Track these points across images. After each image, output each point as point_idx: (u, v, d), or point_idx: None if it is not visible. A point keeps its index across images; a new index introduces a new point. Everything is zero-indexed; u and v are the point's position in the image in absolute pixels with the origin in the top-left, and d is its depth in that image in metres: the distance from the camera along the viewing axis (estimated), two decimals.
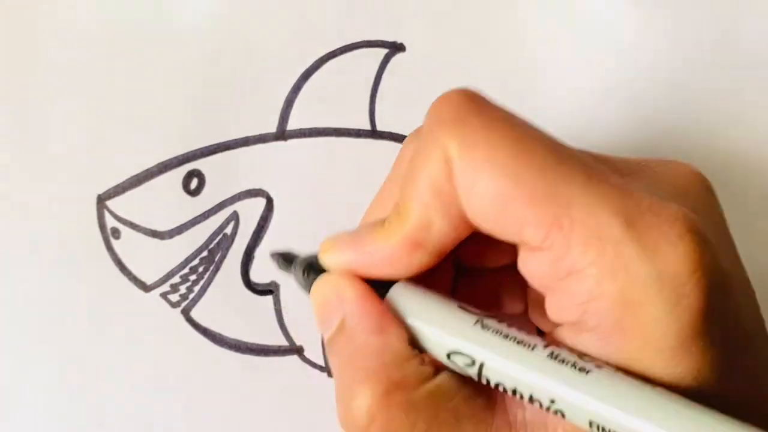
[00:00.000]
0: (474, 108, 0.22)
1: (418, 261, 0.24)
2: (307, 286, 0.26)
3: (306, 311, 0.34)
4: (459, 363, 0.23)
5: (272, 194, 0.34)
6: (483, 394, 0.23)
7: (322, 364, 0.34)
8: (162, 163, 0.34)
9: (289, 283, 0.34)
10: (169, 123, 0.34)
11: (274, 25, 0.34)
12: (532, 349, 0.22)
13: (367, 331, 0.23)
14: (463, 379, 0.23)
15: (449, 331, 0.23)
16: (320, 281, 0.25)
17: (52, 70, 0.34)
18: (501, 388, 0.22)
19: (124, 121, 0.34)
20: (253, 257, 0.34)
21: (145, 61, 0.34)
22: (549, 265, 0.21)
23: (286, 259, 0.28)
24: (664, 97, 0.35)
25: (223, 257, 0.34)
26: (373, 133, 0.34)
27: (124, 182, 0.34)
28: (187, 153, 0.34)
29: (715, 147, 0.35)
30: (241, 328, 0.34)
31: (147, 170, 0.34)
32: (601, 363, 0.21)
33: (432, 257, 0.24)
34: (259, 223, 0.34)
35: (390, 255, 0.24)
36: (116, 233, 0.33)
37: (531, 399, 0.22)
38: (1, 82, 0.34)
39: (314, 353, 0.34)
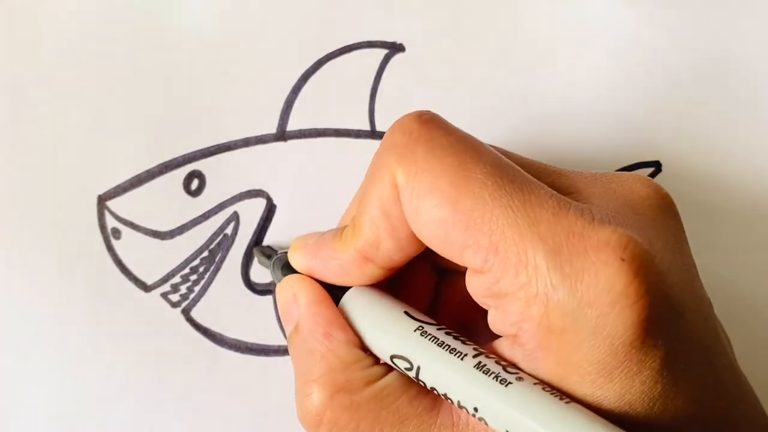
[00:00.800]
0: (423, 135, 0.24)
1: (369, 273, 0.26)
2: (278, 281, 0.29)
3: None
4: (400, 366, 0.25)
5: (272, 195, 0.34)
6: (429, 395, 0.25)
7: None
8: (162, 163, 0.34)
9: None
10: (170, 123, 0.34)
11: (274, 26, 0.34)
12: (462, 358, 0.23)
13: (315, 336, 0.26)
14: (411, 381, 0.25)
15: (390, 336, 0.25)
16: (280, 284, 0.28)
17: (52, 70, 0.34)
18: (436, 392, 0.24)
19: (125, 122, 0.34)
20: (254, 258, 0.34)
21: (145, 62, 0.34)
22: (488, 287, 0.23)
23: (264, 254, 0.31)
24: (663, 98, 0.35)
25: (224, 257, 0.34)
26: (373, 134, 0.34)
27: (124, 182, 0.34)
28: (187, 154, 0.34)
29: (714, 148, 0.35)
30: (241, 328, 0.34)
31: (148, 171, 0.34)
32: (524, 376, 0.23)
33: (383, 270, 0.26)
34: (259, 224, 0.34)
35: (343, 265, 0.26)
36: (117, 233, 0.34)
37: (459, 405, 0.23)
38: (1, 82, 0.34)
39: None
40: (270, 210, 0.34)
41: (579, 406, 0.21)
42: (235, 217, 0.34)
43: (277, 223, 0.34)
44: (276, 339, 0.34)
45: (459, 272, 0.27)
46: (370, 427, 0.24)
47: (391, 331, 0.25)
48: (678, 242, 0.24)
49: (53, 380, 0.33)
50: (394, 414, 0.24)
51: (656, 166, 0.35)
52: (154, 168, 0.34)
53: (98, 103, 0.34)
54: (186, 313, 0.34)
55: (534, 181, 0.23)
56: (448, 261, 0.27)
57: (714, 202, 0.35)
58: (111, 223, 0.34)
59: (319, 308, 0.26)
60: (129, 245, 0.34)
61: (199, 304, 0.34)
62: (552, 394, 0.22)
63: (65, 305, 0.33)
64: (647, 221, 0.23)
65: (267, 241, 0.34)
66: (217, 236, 0.34)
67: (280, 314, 0.28)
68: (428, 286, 0.29)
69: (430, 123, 0.24)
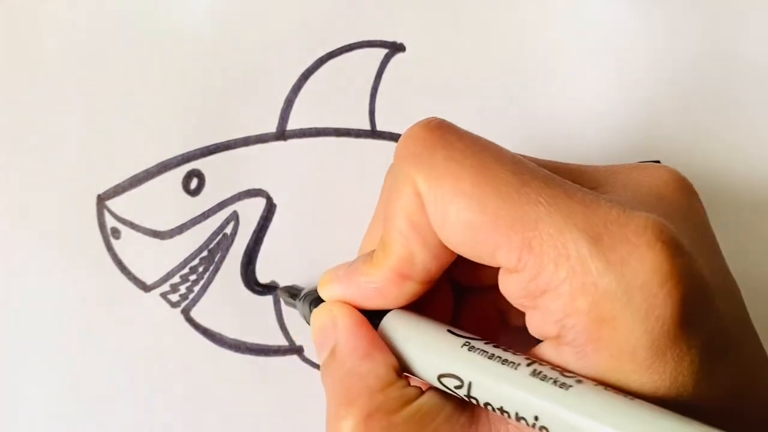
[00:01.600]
0: (438, 141, 0.23)
1: (408, 291, 0.25)
2: (309, 317, 0.28)
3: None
4: (449, 385, 0.24)
5: (272, 194, 0.34)
6: (466, 412, 0.24)
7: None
8: (162, 163, 0.34)
9: (289, 283, 0.34)
10: (169, 123, 0.34)
11: (274, 25, 0.34)
12: (516, 368, 0.22)
13: (355, 357, 0.25)
14: (447, 399, 0.24)
15: (438, 355, 0.24)
16: (318, 309, 0.27)
17: (52, 70, 0.34)
18: (490, 408, 0.23)
19: (124, 121, 0.34)
20: (254, 257, 0.34)
21: (145, 61, 0.34)
22: (524, 285, 0.22)
23: (291, 294, 0.31)
24: (664, 98, 0.35)
25: (223, 257, 0.34)
26: (373, 133, 0.34)
27: (124, 182, 0.34)
28: (186, 153, 0.34)
29: (715, 147, 0.35)
30: (241, 328, 0.34)
31: (147, 170, 0.34)
32: (581, 378, 0.22)
33: (421, 285, 0.25)
34: (259, 223, 0.34)
35: (380, 288, 0.25)
36: (116, 233, 0.33)
37: (517, 417, 0.22)
38: (1, 82, 0.33)
39: (314, 353, 0.34)
40: (270, 209, 0.34)
41: (645, 403, 0.21)
42: (234, 217, 0.34)
43: (277, 222, 0.34)
44: (275, 339, 0.34)
45: (477, 289, 0.27)
46: None
47: (437, 349, 0.24)
48: (703, 225, 0.24)
49: (53, 380, 0.33)
50: None
51: None
52: (153, 167, 0.34)
53: (97, 103, 0.34)
54: (185, 313, 0.33)
55: (556, 176, 0.23)
56: (468, 277, 0.26)
57: (714, 202, 0.35)
58: (110, 222, 0.33)
59: (360, 330, 0.25)
60: (128, 245, 0.33)
61: (199, 304, 0.34)
62: (615, 392, 0.21)
63: (65, 305, 0.33)
64: (672, 207, 0.23)
65: (267, 241, 0.34)
66: (217, 236, 0.34)
67: (314, 340, 0.27)
68: (448, 306, 0.28)
69: (441, 128, 0.24)
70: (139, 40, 0.34)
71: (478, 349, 0.23)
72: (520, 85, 0.35)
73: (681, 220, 0.23)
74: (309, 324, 0.28)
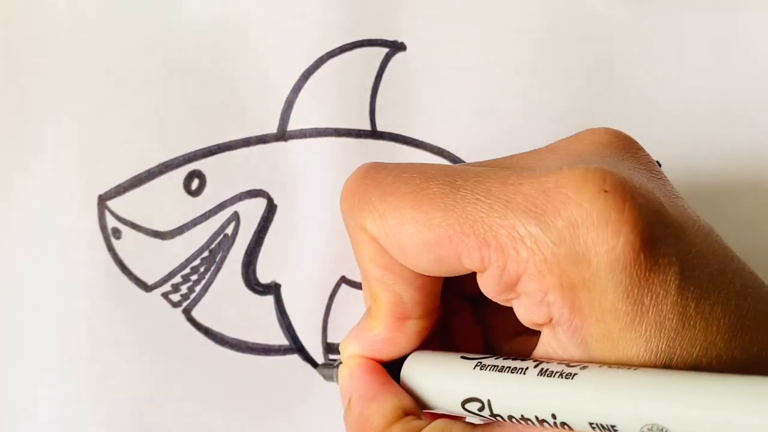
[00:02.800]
0: (370, 184, 0.24)
1: (413, 330, 0.26)
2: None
3: (307, 311, 0.34)
4: (473, 409, 0.24)
5: (273, 195, 0.34)
6: (487, 429, 0.24)
7: (323, 363, 0.34)
8: (163, 163, 0.34)
9: (290, 283, 0.34)
10: (170, 123, 0.34)
11: (274, 25, 0.34)
12: (525, 372, 0.23)
13: (364, 401, 0.25)
14: (455, 423, 0.24)
15: (455, 384, 0.24)
16: (340, 368, 0.27)
17: (52, 71, 0.34)
18: (515, 421, 0.23)
19: (125, 122, 0.34)
20: (254, 257, 0.34)
21: (145, 61, 0.34)
22: (498, 280, 0.22)
23: (328, 367, 0.31)
24: (663, 97, 0.35)
25: (224, 257, 0.34)
26: (374, 133, 0.34)
27: (125, 182, 0.34)
28: (188, 153, 0.34)
29: (714, 148, 0.35)
30: (242, 327, 0.34)
31: (148, 170, 0.34)
32: (586, 364, 0.22)
33: (423, 320, 0.26)
34: (259, 224, 0.34)
35: (386, 338, 0.26)
36: (117, 233, 0.34)
37: (539, 420, 0.22)
38: (1, 83, 0.33)
39: (315, 353, 0.34)
40: (270, 210, 0.34)
41: (648, 370, 0.21)
42: (235, 217, 0.34)
43: (278, 222, 0.34)
44: (276, 338, 0.34)
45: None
46: None
47: (453, 378, 0.24)
48: (653, 171, 0.24)
49: (54, 380, 0.33)
50: None
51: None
52: (154, 168, 0.34)
53: (98, 103, 0.34)
54: (187, 313, 0.34)
55: (486, 169, 0.23)
56: (475, 287, 0.26)
57: (714, 202, 0.35)
58: (111, 223, 0.34)
59: (370, 376, 0.26)
60: (129, 245, 0.34)
61: (200, 304, 0.34)
62: (618, 368, 0.21)
63: (66, 305, 0.33)
64: (616, 159, 0.23)
65: (268, 241, 0.34)
66: (218, 236, 0.34)
67: (340, 396, 0.27)
68: (473, 326, 0.28)
69: (370, 172, 0.25)
70: (139, 41, 0.34)
71: (488, 365, 0.24)
72: (520, 85, 0.35)
73: (628, 168, 0.23)
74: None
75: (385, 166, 0.25)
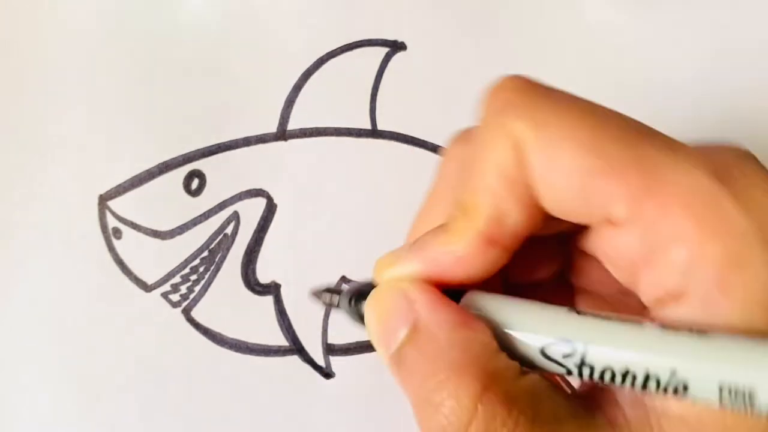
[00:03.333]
0: (537, 89, 0.21)
1: (493, 260, 0.22)
2: (358, 314, 0.23)
3: (306, 311, 0.34)
4: (556, 356, 0.20)
5: (273, 194, 0.34)
6: (578, 398, 0.22)
7: (322, 364, 0.33)
8: (163, 163, 0.34)
9: (290, 283, 0.34)
10: (171, 123, 0.34)
11: (274, 25, 0.34)
12: (641, 325, 0.20)
13: (449, 328, 0.21)
14: (554, 383, 0.21)
15: (542, 322, 0.21)
16: (379, 291, 0.22)
17: (53, 71, 0.34)
18: (607, 377, 0.20)
19: (125, 122, 0.34)
20: (254, 257, 0.34)
21: (145, 62, 0.34)
22: (641, 238, 0.20)
23: (331, 292, 0.25)
24: (663, 97, 0.35)
25: (224, 257, 0.34)
26: (374, 133, 0.34)
27: (125, 182, 0.34)
28: (187, 153, 0.34)
29: None
30: (241, 328, 0.34)
31: (148, 170, 0.34)
32: (714, 330, 0.19)
33: (506, 253, 0.22)
34: (259, 223, 0.34)
35: (463, 257, 0.21)
36: (117, 233, 0.34)
37: (646, 380, 0.19)
38: (2, 83, 0.34)
39: (315, 353, 0.34)
40: (270, 209, 0.34)
41: None
42: (235, 217, 0.34)
43: (278, 222, 0.34)
44: (276, 339, 0.34)
45: (526, 287, 0.24)
46: (531, 425, 0.20)
47: (539, 317, 0.21)
48: None
49: (54, 379, 0.33)
50: (552, 412, 0.20)
51: None
52: (154, 168, 0.34)
53: (98, 103, 0.34)
54: (186, 312, 0.34)
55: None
56: (521, 272, 0.24)
57: None
58: (112, 222, 0.34)
59: (445, 301, 0.21)
60: (130, 245, 0.34)
61: (200, 304, 0.34)
62: (758, 339, 0.19)
63: (66, 304, 0.33)
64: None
65: (267, 240, 0.34)
66: (218, 236, 0.34)
67: (377, 329, 0.22)
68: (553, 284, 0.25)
69: (535, 80, 0.22)
70: (140, 41, 0.34)
71: (588, 313, 0.20)
72: None
73: None
74: (361, 322, 0.23)
75: (546, 83, 0.22)
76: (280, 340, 0.34)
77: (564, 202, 0.21)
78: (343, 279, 0.34)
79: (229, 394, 0.33)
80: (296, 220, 0.34)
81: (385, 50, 0.34)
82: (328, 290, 0.25)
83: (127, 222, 0.34)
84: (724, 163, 0.20)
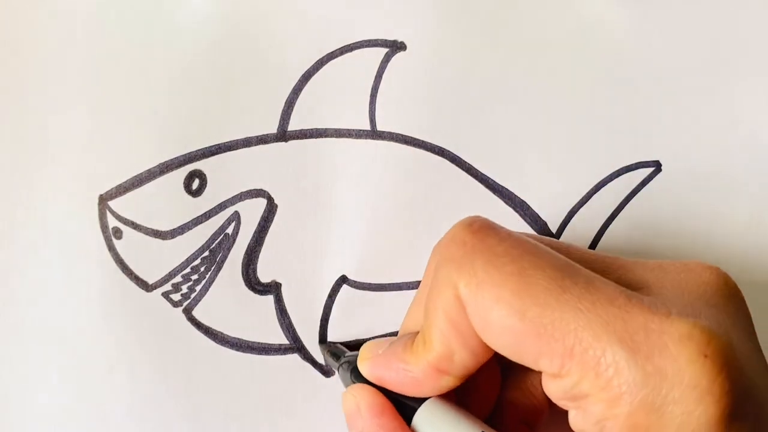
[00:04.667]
0: (478, 245, 0.24)
1: (444, 384, 0.25)
2: (346, 385, 0.28)
3: (307, 311, 0.34)
4: None
5: (273, 194, 0.34)
6: None
7: (323, 363, 0.34)
8: (163, 163, 0.34)
9: (290, 282, 0.34)
10: (171, 123, 0.34)
11: (274, 26, 0.34)
12: None
13: None
14: None
15: None
16: (346, 392, 0.27)
17: (52, 70, 0.34)
18: None
19: (126, 122, 0.34)
20: (255, 257, 0.34)
21: (146, 61, 0.34)
22: (566, 390, 0.23)
23: (332, 354, 0.31)
24: (663, 98, 0.35)
25: (225, 257, 0.34)
26: (374, 133, 0.34)
27: (125, 182, 0.34)
28: (188, 153, 0.34)
29: (714, 148, 0.35)
30: (242, 327, 0.34)
31: (148, 170, 0.34)
32: None
33: (457, 380, 0.25)
34: (260, 224, 0.34)
35: (416, 378, 0.26)
36: (118, 233, 0.34)
37: None
38: (2, 82, 0.34)
39: (315, 352, 0.34)
40: (271, 210, 0.34)
41: None
42: (235, 217, 0.34)
43: (278, 222, 0.34)
44: (277, 338, 0.34)
45: (524, 368, 0.27)
46: None
47: None
48: (749, 332, 0.24)
49: (54, 379, 0.33)
50: None
51: (656, 166, 0.35)
52: (155, 168, 0.34)
53: (99, 103, 0.34)
54: (187, 312, 0.34)
55: (599, 278, 0.23)
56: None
57: (714, 202, 0.35)
58: (112, 222, 0.34)
59: (382, 420, 0.26)
60: (130, 245, 0.34)
61: (201, 304, 0.34)
62: None
63: (67, 305, 0.33)
64: (721, 312, 0.23)
65: (268, 241, 0.34)
66: (218, 236, 0.34)
67: (346, 423, 0.28)
68: (494, 384, 0.28)
69: (482, 231, 0.24)
70: (140, 41, 0.34)
71: None
72: (521, 85, 0.35)
73: (731, 327, 0.23)
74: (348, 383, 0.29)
75: (498, 231, 0.24)
76: (281, 339, 0.34)
77: (503, 351, 0.24)
78: (343, 279, 0.34)
79: (231, 392, 0.33)
80: (296, 220, 0.34)
81: (384, 50, 0.35)
82: (331, 353, 0.31)
83: (127, 222, 0.34)
84: (647, 327, 0.21)
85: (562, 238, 0.34)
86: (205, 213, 0.34)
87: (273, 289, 0.34)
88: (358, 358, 0.28)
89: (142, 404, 0.33)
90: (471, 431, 0.25)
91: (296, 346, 0.34)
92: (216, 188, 0.34)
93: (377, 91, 0.34)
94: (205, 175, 0.34)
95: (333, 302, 0.34)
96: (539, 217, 0.34)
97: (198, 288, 0.34)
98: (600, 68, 0.35)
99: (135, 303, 0.33)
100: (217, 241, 0.34)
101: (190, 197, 0.34)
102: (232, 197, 0.34)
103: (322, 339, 0.34)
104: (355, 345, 0.34)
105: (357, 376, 0.28)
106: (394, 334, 0.34)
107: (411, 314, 0.29)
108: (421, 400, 0.26)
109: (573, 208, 0.34)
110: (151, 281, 0.34)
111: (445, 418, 0.25)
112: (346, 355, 0.30)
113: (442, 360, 0.25)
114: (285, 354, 0.34)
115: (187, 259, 0.34)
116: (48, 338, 0.33)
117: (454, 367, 0.25)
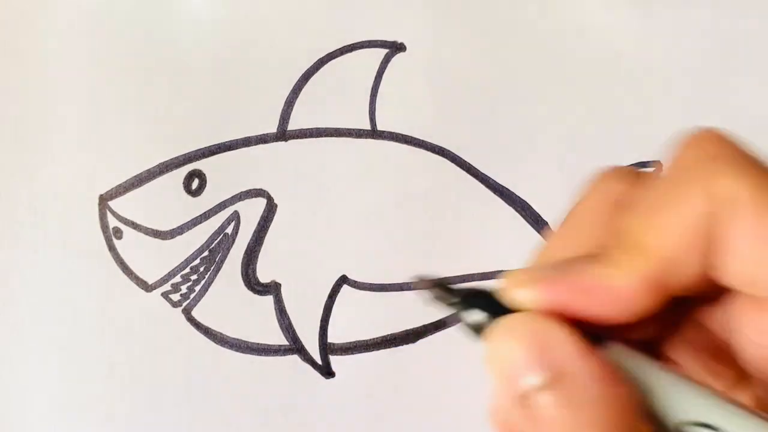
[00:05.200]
0: (742, 146, 0.20)
1: (648, 306, 0.20)
2: (470, 321, 0.21)
3: (307, 311, 0.34)
4: None
5: (273, 194, 0.34)
6: None
7: (322, 363, 0.34)
8: (163, 163, 0.34)
9: (290, 282, 0.34)
10: (171, 124, 0.34)
11: (274, 26, 0.34)
12: None
13: (599, 381, 0.19)
14: None
15: (690, 400, 0.19)
16: (516, 323, 0.20)
17: (53, 71, 0.34)
18: None
19: (126, 122, 0.34)
20: (254, 257, 0.34)
21: (146, 62, 0.34)
22: None
23: (446, 290, 0.21)
24: (663, 98, 0.35)
25: (224, 257, 0.34)
26: (373, 133, 0.34)
27: (125, 182, 0.34)
28: (188, 153, 0.34)
29: None
30: (242, 327, 0.34)
31: (148, 170, 0.34)
32: None
33: (662, 305, 0.20)
34: (259, 223, 0.34)
35: (622, 295, 0.19)
36: (118, 233, 0.34)
37: None
38: (2, 83, 0.34)
39: (315, 353, 0.34)
40: (270, 209, 0.34)
41: None
42: (235, 217, 0.34)
43: (278, 222, 0.34)
44: (276, 338, 0.34)
45: (696, 300, 0.22)
46: None
47: (688, 393, 0.20)
48: None
49: (54, 379, 0.33)
50: None
51: (656, 166, 0.35)
52: (154, 168, 0.34)
53: (99, 103, 0.34)
54: (187, 312, 0.34)
55: None
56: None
57: None
58: (112, 222, 0.34)
59: (594, 352, 0.19)
60: (130, 245, 0.34)
61: (200, 304, 0.34)
62: None
63: (67, 304, 0.33)
64: None
65: (267, 240, 0.34)
66: (218, 236, 0.34)
67: (503, 363, 0.20)
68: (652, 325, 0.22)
69: (730, 136, 0.20)
70: (140, 41, 0.34)
71: (737, 403, 0.19)
72: (520, 85, 0.35)
73: None
74: (471, 331, 0.20)
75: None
76: (281, 340, 0.34)
77: (752, 274, 0.19)
78: (343, 279, 0.34)
79: (230, 393, 0.33)
80: (296, 220, 0.34)
81: (384, 51, 0.35)
82: (439, 285, 0.22)
83: (127, 222, 0.34)
84: None
85: None
86: (204, 213, 0.34)
87: (272, 289, 0.34)
88: (511, 284, 0.20)
89: (141, 404, 0.33)
90: (677, 375, 0.20)
91: (296, 347, 0.34)
92: (216, 188, 0.34)
93: (377, 91, 0.34)
94: (204, 174, 0.34)
95: (333, 302, 0.34)
96: (540, 216, 0.34)
97: (197, 288, 0.34)
98: (600, 68, 0.35)
99: (135, 303, 0.33)
100: (216, 241, 0.34)
101: (189, 197, 0.34)
102: (232, 197, 0.34)
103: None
104: (355, 345, 0.34)
105: (490, 312, 0.20)
106: (394, 333, 0.33)
107: (559, 239, 0.22)
108: (601, 339, 0.20)
109: None
110: (150, 281, 0.34)
111: (643, 359, 0.20)
112: (467, 288, 0.21)
113: (667, 272, 0.19)
114: (285, 355, 0.34)
115: (186, 259, 0.34)
116: (48, 338, 0.33)
117: (677, 283, 0.19)
